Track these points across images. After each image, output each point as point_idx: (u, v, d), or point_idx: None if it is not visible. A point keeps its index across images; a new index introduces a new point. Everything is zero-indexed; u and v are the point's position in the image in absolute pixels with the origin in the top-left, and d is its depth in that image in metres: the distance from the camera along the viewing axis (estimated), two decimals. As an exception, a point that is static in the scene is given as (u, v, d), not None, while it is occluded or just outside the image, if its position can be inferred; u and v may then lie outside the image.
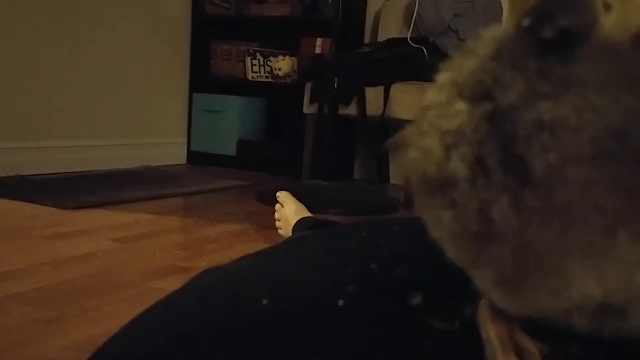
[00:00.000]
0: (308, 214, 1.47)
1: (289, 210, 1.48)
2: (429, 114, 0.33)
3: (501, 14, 2.73)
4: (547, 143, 0.28)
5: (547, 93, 0.29)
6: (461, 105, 0.31)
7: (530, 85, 0.29)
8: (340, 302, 0.37)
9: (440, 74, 0.34)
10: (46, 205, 1.92)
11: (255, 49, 3.21)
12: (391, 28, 2.91)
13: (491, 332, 0.33)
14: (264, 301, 0.38)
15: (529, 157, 0.29)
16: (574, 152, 0.28)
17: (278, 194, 1.53)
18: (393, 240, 0.46)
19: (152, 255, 1.46)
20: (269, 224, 1.64)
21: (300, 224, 1.40)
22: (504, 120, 0.29)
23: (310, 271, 0.42)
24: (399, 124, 2.45)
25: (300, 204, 1.50)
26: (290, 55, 3.16)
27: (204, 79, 3.33)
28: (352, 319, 0.36)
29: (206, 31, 3.33)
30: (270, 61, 3.19)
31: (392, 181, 2.96)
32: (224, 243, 1.63)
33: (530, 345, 0.33)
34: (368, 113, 2.50)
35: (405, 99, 2.40)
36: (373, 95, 2.48)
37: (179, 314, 0.40)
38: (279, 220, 1.52)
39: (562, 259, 0.29)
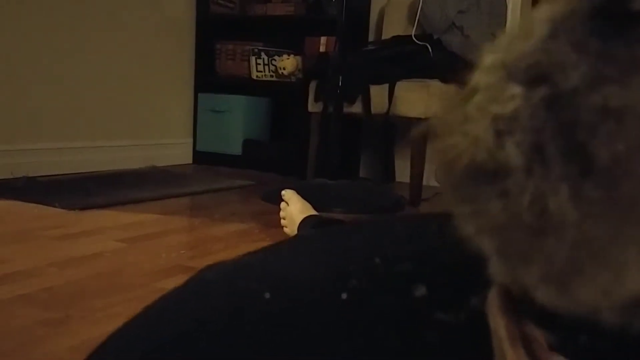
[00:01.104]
0: (313, 213, 1.47)
1: (294, 209, 1.48)
2: (476, 98, 0.31)
3: (506, 10, 2.72)
4: (613, 131, 0.26)
5: (613, 76, 0.27)
6: (515, 89, 0.29)
7: (594, 67, 0.27)
8: (344, 296, 0.36)
9: (486, 54, 0.32)
10: (53, 206, 1.92)
11: (260, 48, 3.21)
12: (395, 26, 2.90)
13: (500, 322, 0.33)
14: (267, 295, 0.37)
15: (593, 146, 0.27)
16: None
17: (283, 192, 1.53)
18: (397, 238, 0.45)
19: (159, 255, 1.46)
20: (275, 223, 1.64)
21: (305, 223, 1.41)
22: (565, 105, 0.28)
23: (313, 266, 0.42)
24: (404, 122, 2.45)
25: (305, 202, 1.50)
26: (295, 54, 3.16)
27: (208, 78, 3.34)
28: (355, 312, 0.36)
29: (211, 31, 3.34)
30: (275, 60, 3.19)
31: (397, 179, 2.96)
32: (230, 242, 1.64)
33: (539, 336, 0.32)
34: (373, 111, 2.50)
35: (410, 97, 2.40)
36: (378, 93, 2.48)
37: (180, 310, 0.40)
38: (284, 219, 1.53)
39: (620, 254, 0.28)
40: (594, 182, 0.27)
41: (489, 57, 0.32)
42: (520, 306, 0.33)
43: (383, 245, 0.44)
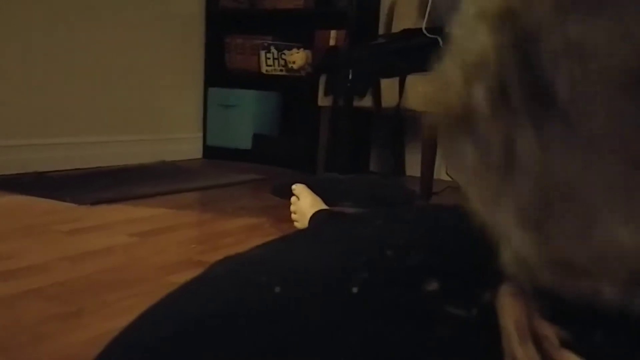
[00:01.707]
0: (324, 207, 1.47)
1: (304, 203, 1.48)
2: (452, 47, 0.32)
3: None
4: (575, 65, 0.26)
5: (579, 8, 0.26)
6: (484, 34, 0.30)
7: (559, 1, 0.27)
8: (354, 290, 0.36)
9: (466, 5, 0.33)
10: (64, 201, 1.93)
11: (270, 42, 3.21)
12: (405, 19, 2.88)
13: (509, 318, 0.32)
14: (277, 289, 0.37)
15: (554, 80, 0.26)
16: (603, 78, 0.26)
17: (294, 186, 1.53)
18: (408, 228, 0.45)
19: (169, 250, 1.46)
20: (285, 217, 1.64)
21: (316, 217, 1.40)
22: (529, 41, 0.27)
23: (324, 258, 0.41)
24: (415, 116, 2.43)
25: (315, 196, 1.50)
26: (305, 48, 3.15)
27: (218, 73, 3.34)
28: (365, 306, 0.35)
29: (220, 25, 3.34)
30: (285, 54, 3.18)
31: (408, 173, 2.95)
32: (240, 237, 1.63)
33: (550, 333, 0.31)
34: (383, 105, 2.49)
35: (420, 90, 2.38)
36: (388, 87, 2.46)
37: (191, 303, 0.40)
38: (294, 213, 1.52)
39: (587, 194, 0.28)
40: (556, 119, 0.27)
41: (467, 8, 0.32)
42: (531, 301, 0.32)
43: (395, 235, 0.43)
